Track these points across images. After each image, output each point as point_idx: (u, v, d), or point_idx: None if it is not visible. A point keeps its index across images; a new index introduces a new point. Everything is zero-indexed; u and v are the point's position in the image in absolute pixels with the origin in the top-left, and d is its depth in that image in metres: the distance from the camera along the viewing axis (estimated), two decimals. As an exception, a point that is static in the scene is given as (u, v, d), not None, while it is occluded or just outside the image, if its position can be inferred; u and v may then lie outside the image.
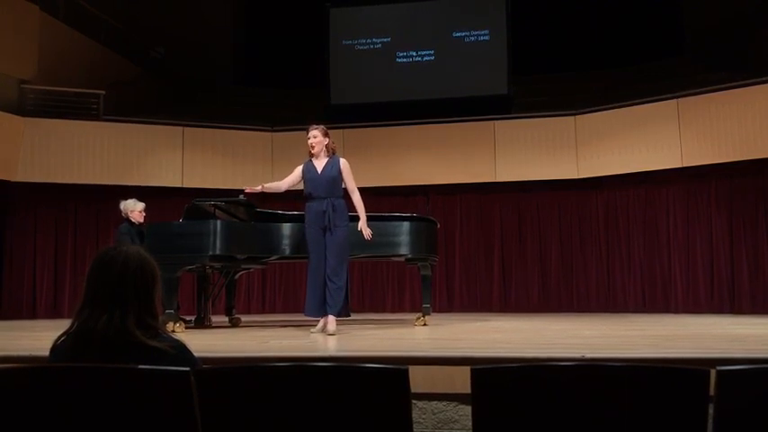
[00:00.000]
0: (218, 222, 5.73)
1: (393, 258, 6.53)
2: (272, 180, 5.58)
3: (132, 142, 9.48)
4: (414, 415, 2.49)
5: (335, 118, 10.20)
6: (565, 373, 1.64)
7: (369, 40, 10.92)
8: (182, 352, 1.87)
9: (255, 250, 6.03)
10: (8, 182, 8.90)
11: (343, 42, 10.95)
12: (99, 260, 1.91)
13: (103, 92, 9.53)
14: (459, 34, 10.67)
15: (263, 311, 9.93)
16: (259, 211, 6.37)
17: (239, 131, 10.05)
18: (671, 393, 1.55)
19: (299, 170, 5.47)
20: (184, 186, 9.51)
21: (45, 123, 9.05)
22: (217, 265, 6.19)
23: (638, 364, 2.29)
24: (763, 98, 8.19)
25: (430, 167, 9.86)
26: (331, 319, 5.17)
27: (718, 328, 5.71)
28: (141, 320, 1.86)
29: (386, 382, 1.65)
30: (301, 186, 5.50)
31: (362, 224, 5.37)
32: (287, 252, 5.99)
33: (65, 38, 9.61)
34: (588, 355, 3.25)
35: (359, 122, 10.14)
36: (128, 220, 6.48)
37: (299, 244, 5.80)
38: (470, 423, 1.65)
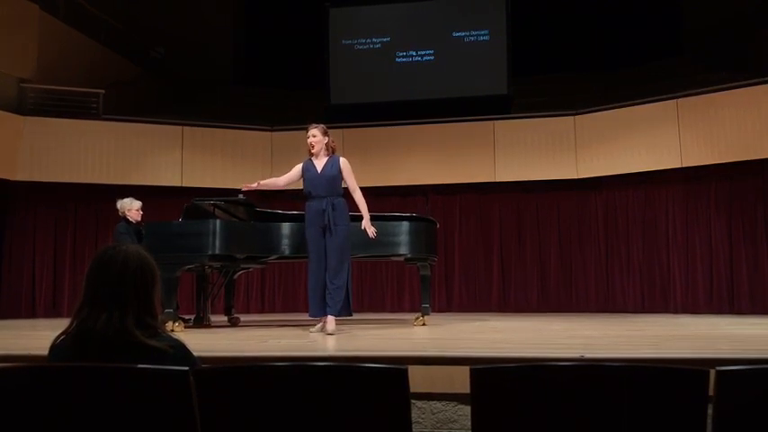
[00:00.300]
0: (218, 222, 5.73)
1: (392, 258, 6.53)
2: (273, 188, 5.53)
3: (132, 142, 9.48)
4: (413, 415, 2.49)
5: (335, 118, 10.20)
6: (564, 372, 1.65)
7: (368, 40, 10.92)
8: (181, 351, 1.87)
9: (255, 250, 6.03)
10: (8, 181, 8.90)
11: (343, 42, 10.95)
12: (98, 259, 1.91)
13: (103, 91, 9.52)
14: (458, 34, 10.67)
15: (262, 311, 9.94)
16: (259, 210, 6.38)
17: (239, 131, 10.05)
18: (670, 393, 1.55)
19: (298, 168, 5.46)
20: (184, 186, 9.51)
21: (45, 122, 9.05)
22: (216, 264, 6.19)
23: (637, 365, 2.29)
24: (763, 99, 8.19)
25: (429, 167, 9.86)
26: (330, 318, 5.17)
27: (717, 328, 5.71)
28: (141, 320, 1.86)
29: (385, 382, 1.65)
30: (300, 186, 5.49)
31: (366, 222, 5.36)
32: (286, 252, 6.00)
33: (65, 37, 9.61)
34: (587, 355, 3.25)
35: (358, 122, 10.14)
36: (125, 219, 6.47)
37: (299, 244, 5.80)
38: (469, 423, 1.65)
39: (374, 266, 9.96)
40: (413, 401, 2.87)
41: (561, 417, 1.59)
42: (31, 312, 9.02)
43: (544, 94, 10.57)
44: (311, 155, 5.39)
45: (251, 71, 12.83)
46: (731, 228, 8.64)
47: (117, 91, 9.99)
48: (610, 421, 1.57)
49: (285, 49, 12.33)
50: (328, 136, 5.42)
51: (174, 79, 11.64)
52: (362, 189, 5.43)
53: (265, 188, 5.63)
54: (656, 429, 1.56)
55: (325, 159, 5.36)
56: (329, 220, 5.20)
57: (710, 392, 1.54)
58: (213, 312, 6.78)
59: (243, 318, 7.11)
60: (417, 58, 10.76)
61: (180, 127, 9.75)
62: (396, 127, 10.13)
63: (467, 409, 2.96)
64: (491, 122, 9.88)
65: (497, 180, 9.76)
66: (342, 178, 5.36)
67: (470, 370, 1.61)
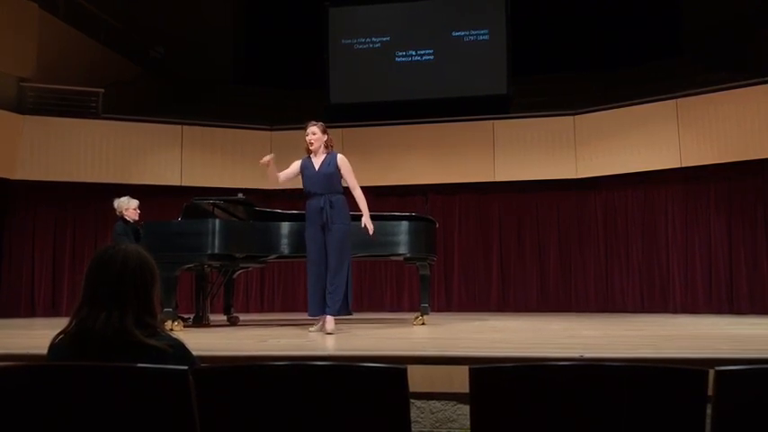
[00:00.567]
0: (217, 221, 5.73)
1: (392, 258, 6.53)
2: (272, 180, 5.47)
3: (131, 141, 9.48)
4: (412, 414, 2.49)
5: (335, 117, 10.20)
6: (563, 372, 1.64)
7: (368, 40, 10.92)
8: (180, 351, 1.87)
9: (254, 249, 6.03)
10: (7, 180, 8.89)
11: (343, 42, 10.95)
12: (98, 259, 1.91)
13: (102, 90, 9.52)
14: (458, 34, 10.67)
15: (261, 310, 9.94)
16: (258, 210, 6.38)
17: (238, 130, 10.05)
18: (669, 393, 1.55)
19: (297, 165, 5.41)
20: (183, 185, 9.50)
21: (44, 121, 9.05)
22: (215, 263, 6.19)
23: (636, 364, 2.29)
24: (762, 98, 8.20)
25: (429, 167, 9.86)
26: (329, 318, 5.16)
27: (716, 328, 5.72)
28: (140, 319, 1.86)
29: (384, 382, 1.65)
30: (297, 185, 5.46)
31: (366, 219, 5.32)
32: (286, 251, 5.99)
33: (64, 36, 9.60)
34: (586, 355, 3.25)
35: (358, 122, 10.14)
36: (122, 218, 6.45)
37: (298, 243, 5.79)
38: (469, 422, 1.65)
39: (373, 266, 9.96)
40: (412, 401, 2.86)
41: (560, 416, 1.59)
42: (31, 311, 9.02)
43: (544, 94, 10.58)
44: (309, 152, 5.36)
45: (251, 71, 12.83)
46: (730, 227, 8.65)
47: (117, 90, 9.99)
48: (609, 421, 1.57)
49: (285, 49, 12.32)
50: (327, 134, 5.38)
51: (173, 79, 11.64)
52: (362, 188, 5.41)
53: (268, 172, 5.34)
54: (655, 429, 1.56)
55: (323, 157, 5.32)
56: (327, 218, 5.16)
57: (710, 392, 1.54)
58: (212, 312, 6.78)
59: (242, 317, 7.11)
60: (417, 58, 10.76)
61: (179, 126, 9.75)
62: (395, 126, 10.13)
63: (466, 409, 2.96)
64: (490, 122, 9.88)
65: (497, 180, 9.77)
66: (340, 175, 5.31)
67: (469, 370, 1.61)
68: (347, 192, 5.38)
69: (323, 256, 5.21)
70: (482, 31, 10.58)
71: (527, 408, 1.60)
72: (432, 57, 10.71)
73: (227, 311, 6.79)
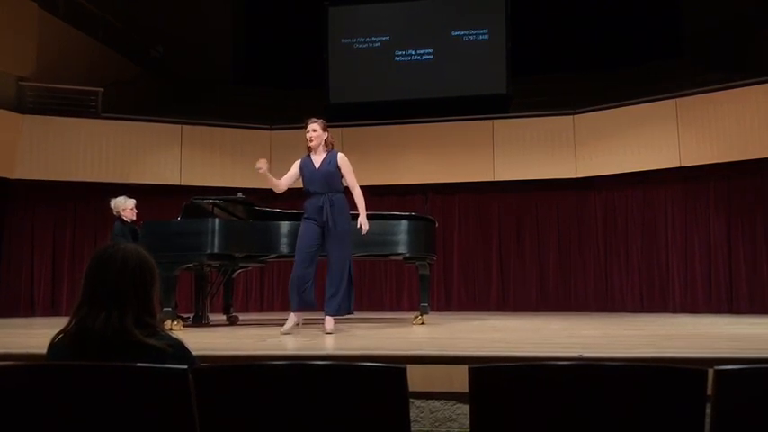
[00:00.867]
0: (217, 221, 5.72)
1: (391, 257, 6.53)
2: (277, 189, 5.37)
3: (131, 140, 9.48)
4: (411, 414, 2.49)
5: (334, 117, 10.18)
6: (562, 372, 1.65)
7: (367, 39, 10.92)
8: (180, 350, 1.87)
9: (254, 249, 6.04)
10: (7, 179, 8.89)
11: (342, 41, 10.95)
12: (97, 258, 1.90)
13: (102, 89, 9.52)
14: (458, 33, 10.67)
15: (261, 310, 9.94)
16: (257, 209, 6.38)
17: (238, 130, 10.05)
18: (669, 393, 1.55)
19: (296, 166, 5.34)
20: (183, 184, 9.50)
21: (44, 121, 9.05)
22: (215, 263, 6.19)
23: (635, 364, 2.29)
24: (761, 98, 8.20)
25: (428, 166, 9.86)
26: (329, 318, 5.15)
27: (715, 327, 5.72)
28: (139, 319, 1.86)
29: (384, 381, 1.65)
30: (299, 185, 5.45)
31: (362, 218, 5.28)
32: (285, 251, 5.99)
33: (64, 36, 9.60)
34: (586, 355, 3.25)
35: (357, 121, 10.14)
36: (119, 219, 6.43)
37: (297, 242, 5.77)
38: (468, 422, 1.65)
39: (373, 266, 9.96)
40: (411, 400, 2.86)
41: (560, 416, 1.59)
42: (30, 311, 9.02)
43: (543, 94, 10.58)
44: (309, 150, 5.31)
45: (250, 70, 12.83)
46: (730, 227, 8.65)
47: (116, 90, 9.99)
48: (608, 420, 1.57)
49: (284, 49, 12.32)
50: (327, 132, 5.31)
51: (173, 78, 11.64)
52: (361, 188, 5.38)
53: (268, 180, 5.20)
54: (654, 428, 1.56)
55: (323, 155, 5.26)
56: (328, 217, 5.12)
57: (709, 392, 1.54)
58: (212, 311, 6.78)
59: (242, 316, 7.12)
60: (416, 58, 10.76)
61: (179, 125, 9.75)
62: (395, 126, 10.13)
63: (465, 408, 2.96)
64: (490, 122, 9.89)
65: (496, 179, 9.77)
66: (340, 174, 5.27)
67: (469, 369, 1.61)
68: (346, 191, 5.36)
69: (314, 251, 5.14)
70: (482, 31, 10.59)
71: (526, 407, 1.60)
72: (431, 56, 10.71)
73: (226, 311, 6.79)
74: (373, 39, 10.90)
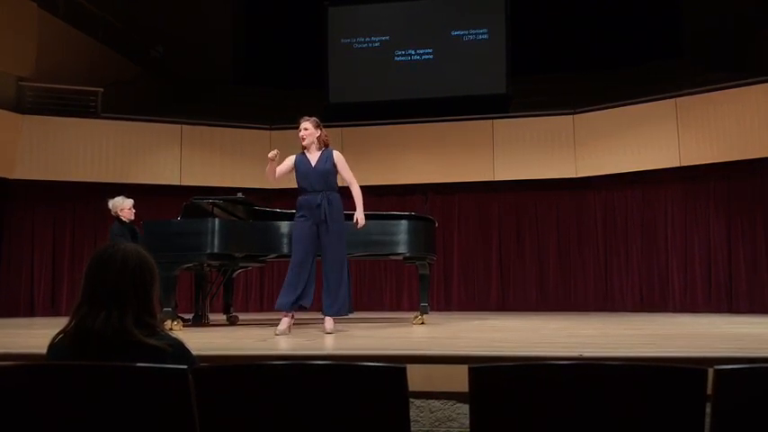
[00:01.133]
0: (217, 221, 5.72)
1: (391, 257, 6.53)
2: (270, 178, 5.39)
3: (130, 140, 9.48)
4: (411, 413, 2.49)
5: (334, 117, 10.21)
6: (562, 372, 1.65)
7: (367, 39, 10.92)
8: (180, 350, 1.87)
9: (254, 249, 6.03)
10: (6, 179, 8.89)
11: (342, 41, 10.95)
12: (97, 258, 1.90)
13: (102, 89, 9.52)
14: (457, 33, 10.67)
15: (261, 310, 9.94)
16: (257, 209, 6.38)
17: (237, 129, 10.05)
18: (668, 392, 1.55)
19: (291, 161, 5.29)
20: (183, 184, 9.50)
21: (43, 121, 9.05)
22: (215, 263, 6.19)
23: (635, 364, 2.29)
24: (761, 98, 8.20)
25: (428, 166, 9.86)
26: (329, 318, 5.15)
27: (715, 327, 5.72)
28: (139, 319, 1.86)
29: (384, 381, 1.65)
30: (292, 183, 5.40)
31: (359, 213, 5.25)
32: (285, 250, 5.98)
33: (64, 36, 9.60)
34: (586, 354, 3.25)
35: (357, 121, 10.14)
36: (118, 219, 6.42)
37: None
38: (468, 421, 1.65)
39: (373, 265, 9.96)
40: (411, 400, 2.86)
41: (560, 416, 1.59)
42: (30, 311, 9.02)
43: (543, 94, 10.58)
44: (304, 149, 5.28)
45: (250, 70, 12.83)
46: (730, 227, 8.65)
47: (116, 90, 9.99)
48: (608, 420, 1.57)
49: (284, 49, 12.32)
50: (321, 129, 5.27)
51: (173, 78, 11.64)
52: (361, 188, 5.36)
53: (269, 168, 5.16)
54: (654, 428, 1.56)
55: (318, 153, 5.23)
56: (325, 215, 5.08)
57: (709, 391, 1.54)
58: (212, 311, 6.78)
59: (242, 316, 7.11)
60: (416, 57, 10.76)
61: (179, 125, 9.75)
62: (395, 126, 10.13)
63: (465, 408, 2.96)
64: (490, 121, 9.89)
65: (496, 179, 9.77)
66: (336, 172, 5.25)
67: (469, 369, 1.61)
68: (341, 189, 5.33)
69: (311, 252, 5.12)
70: (481, 31, 10.59)
71: (526, 407, 1.60)
72: (431, 56, 10.72)
73: (226, 311, 6.79)
74: (373, 39, 10.90)
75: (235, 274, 7.01)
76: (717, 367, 1.56)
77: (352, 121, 10.10)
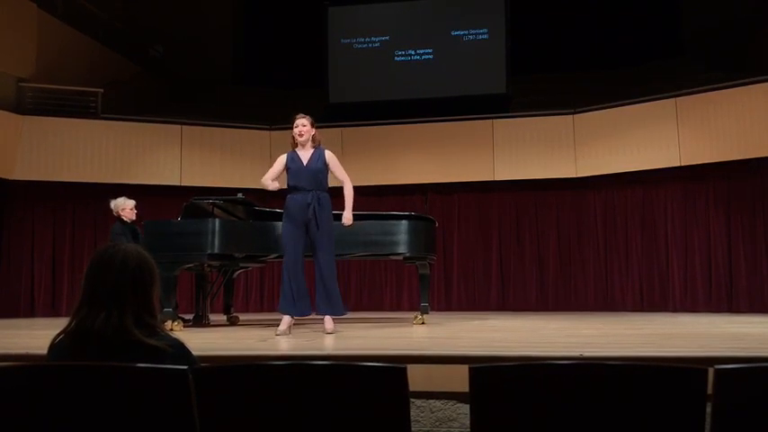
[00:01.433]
0: (217, 221, 5.72)
1: (391, 257, 6.52)
2: (270, 188, 5.34)
3: (130, 140, 9.48)
4: (412, 413, 2.49)
5: (334, 117, 10.21)
6: (563, 371, 1.64)
7: (367, 39, 10.92)
8: (180, 350, 1.87)
9: (254, 249, 6.03)
10: (6, 180, 8.89)
11: (342, 41, 10.95)
12: (97, 258, 1.90)
13: (101, 90, 9.52)
14: (457, 33, 10.67)
15: (261, 310, 9.94)
16: (258, 209, 6.38)
17: (237, 130, 10.05)
18: (669, 392, 1.55)
19: (282, 160, 5.24)
20: (183, 185, 9.50)
21: (43, 121, 9.05)
22: (215, 263, 6.19)
23: (636, 363, 2.29)
24: (761, 97, 8.20)
25: (428, 166, 9.86)
26: (329, 318, 5.15)
27: (715, 326, 5.72)
28: (140, 319, 1.86)
29: (384, 381, 1.65)
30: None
31: (348, 212, 5.22)
32: (285, 251, 5.97)
33: (63, 36, 9.60)
34: (586, 354, 3.25)
35: (357, 121, 10.14)
36: (119, 219, 6.45)
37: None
38: (468, 421, 1.65)
39: (373, 266, 9.96)
40: (412, 400, 2.86)
41: (560, 415, 1.59)
42: (30, 312, 9.02)
43: (543, 93, 10.57)
44: (295, 146, 5.23)
45: (250, 70, 12.83)
46: (730, 226, 8.65)
47: (116, 90, 9.99)
48: (609, 420, 1.57)
49: (284, 49, 12.32)
50: (315, 129, 5.27)
51: (173, 78, 11.64)
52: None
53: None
54: (655, 428, 1.56)
55: (310, 151, 5.19)
56: (314, 215, 5.03)
57: (709, 391, 1.54)
58: (212, 311, 6.78)
59: (242, 317, 7.11)
60: (416, 57, 10.76)
61: (179, 126, 9.75)
62: (395, 126, 10.13)
63: (466, 408, 2.96)
64: (490, 121, 9.89)
65: (496, 179, 9.77)
66: (328, 172, 5.21)
67: (469, 369, 1.61)
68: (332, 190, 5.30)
69: (301, 253, 5.10)
70: (481, 31, 10.59)
71: (527, 407, 1.60)
72: (431, 56, 10.72)
73: (226, 311, 6.79)
74: (373, 39, 10.91)
75: (235, 275, 7.01)
76: (717, 367, 1.55)
77: (352, 121, 10.10)
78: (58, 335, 1.89)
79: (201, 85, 11.70)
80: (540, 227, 9.88)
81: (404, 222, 6.12)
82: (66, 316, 1.97)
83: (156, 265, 1.97)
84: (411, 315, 6.73)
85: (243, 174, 9.48)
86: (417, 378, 2.93)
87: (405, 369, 1.64)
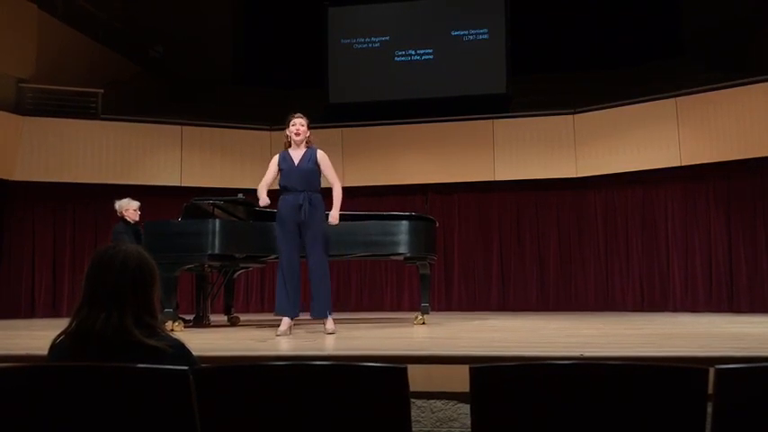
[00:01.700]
0: (217, 221, 5.72)
1: (392, 257, 6.52)
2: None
3: (131, 141, 9.48)
4: (413, 414, 2.49)
5: (334, 117, 10.21)
6: (563, 371, 1.64)
7: (367, 39, 10.92)
8: (180, 351, 1.87)
9: (254, 249, 6.04)
10: (6, 181, 8.89)
11: (342, 41, 10.95)
12: (98, 259, 1.90)
13: (102, 90, 9.52)
14: (457, 33, 10.67)
15: (261, 310, 9.93)
16: (258, 210, 6.37)
17: (238, 130, 10.05)
18: (669, 392, 1.55)
19: (274, 162, 5.23)
20: (183, 185, 9.50)
21: (43, 122, 9.05)
22: (216, 264, 6.19)
23: (636, 363, 2.29)
24: (761, 98, 8.20)
25: (428, 166, 9.86)
26: (329, 318, 5.15)
27: (716, 326, 5.72)
28: (140, 319, 1.86)
29: (385, 381, 1.65)
30: None
31: (335, 211, 5.19)
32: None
33: (63, 36, 9.60)
34: (586, 354, 3.25)
35: (357, 121, 10.14)
36: (123, 219, 6.49)
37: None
38: (469, 421, 1.65)
39: (374, 266, 9.96)
40: (412, 400, 2.87)
41: (560, 415, 1.59)
42: (30, 312, 9.02)
43: (543, 93, 10.57)
44: (288, 146, 5.21)
45: (250, 70, 12.83)
46: (730, 226, 8.65)
47: (116, 90, 9.99)
48: (609, 420, 1.57)
49: (284, 49, 12.32)
50: (309, 130, 5.26)
51: (173, 78, 11.64)
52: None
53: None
54: (655, 428, 1.56)
55: (303, 151, 5.17)
56: (306, 216, 5.02)
57: (710, 391, 1.54)
58: (213, 312, 6.78)
59: (242, 317, 7.11)
60: (416, 57, 10.76)
61: (179, 126, 9.75)
62: (395, 126, 10.13)
63: (466, 408, 2.96)
64: (490, 121, 9.88)
65: (496, 179, 9.77)
66: (320, 173, 5.20)
67: (470, 369, 1.61)
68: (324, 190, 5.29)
69: (295, 254, 5.10)
70: (481, 31, 10.59)
71: (527, 407, 1.60)
72: (431, 56, 10.72)
73: (227, 312, 6.80)
74: (373, 39, 10.91)
75: (236, 275, 7.02)
76: (718, 367, 1.55)
77: (352, 121, 10.09)
78: (59, 335, 1.89)
79: (201, 86, 11.70)
80: (540, 227, 9.87)
81: (404, 222, 6.12)
82: (66, 317, 1.97)
83: (156, 266, 1.97)
84: (411, 315, 6.73)
85: (243, 174, 9.47)
86: (418, 378, 2.93)
87: (405, 369, 1.64)
